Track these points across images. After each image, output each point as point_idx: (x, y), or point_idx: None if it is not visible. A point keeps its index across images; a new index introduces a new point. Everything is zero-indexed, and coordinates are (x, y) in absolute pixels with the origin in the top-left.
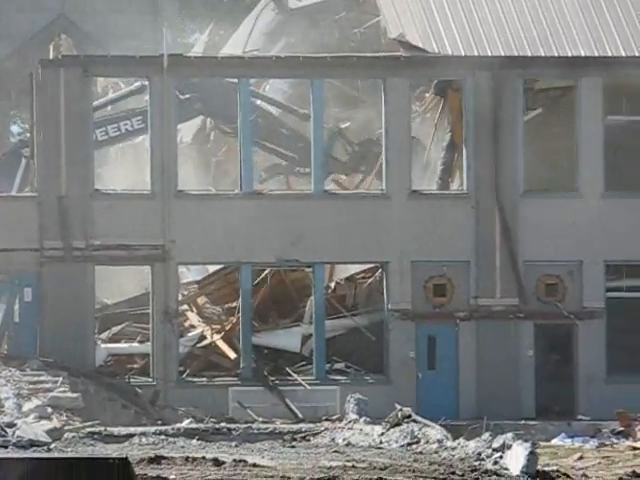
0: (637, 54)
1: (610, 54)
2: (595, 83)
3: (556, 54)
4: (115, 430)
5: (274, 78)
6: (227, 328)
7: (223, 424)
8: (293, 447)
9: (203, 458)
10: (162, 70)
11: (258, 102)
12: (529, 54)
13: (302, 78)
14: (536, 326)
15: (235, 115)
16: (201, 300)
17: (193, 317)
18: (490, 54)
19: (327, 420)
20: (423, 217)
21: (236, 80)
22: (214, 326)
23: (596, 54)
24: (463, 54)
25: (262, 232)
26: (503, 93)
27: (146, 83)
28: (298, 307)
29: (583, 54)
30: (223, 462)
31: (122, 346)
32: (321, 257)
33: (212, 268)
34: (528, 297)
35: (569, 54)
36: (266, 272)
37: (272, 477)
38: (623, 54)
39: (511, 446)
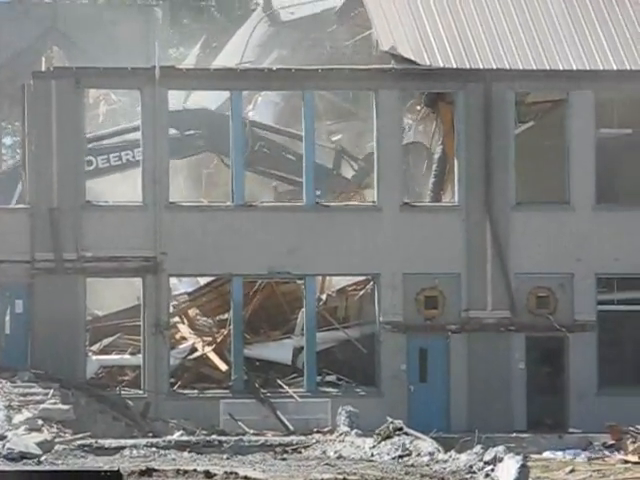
0: (628, 68)
1: (601, 67)
2: (586, 96)
3: (547, 67)
4: (106, 442)
5: (266, 90)
6: (218, 340)
7: (214, 436)
8: (284, 459)
9: (194, 470)
10: (154, 82)
11: (263, 133)
12: (520, 67)
13: (294, 90)
14: (527, 339)
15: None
16: (192, 312)
17: (184, 329)
18: (482, 67)
19: (318, 432)
20: (414, 229)
21: (228, 92)
22: (205, 338)
23: (587, 67)
24: (455, 67)
25: (253, 244)
26: (494, 106)
27: None
28: (289, 319)
29: (574, 67)
30: (214, 474)
31: (113, 358)
32: (312, 269)
33: (203, 280)
34: (519, 309)
35: (560, 67)
36: (257, 284)
37: None
38: (614, 67)
39: (502, 459)
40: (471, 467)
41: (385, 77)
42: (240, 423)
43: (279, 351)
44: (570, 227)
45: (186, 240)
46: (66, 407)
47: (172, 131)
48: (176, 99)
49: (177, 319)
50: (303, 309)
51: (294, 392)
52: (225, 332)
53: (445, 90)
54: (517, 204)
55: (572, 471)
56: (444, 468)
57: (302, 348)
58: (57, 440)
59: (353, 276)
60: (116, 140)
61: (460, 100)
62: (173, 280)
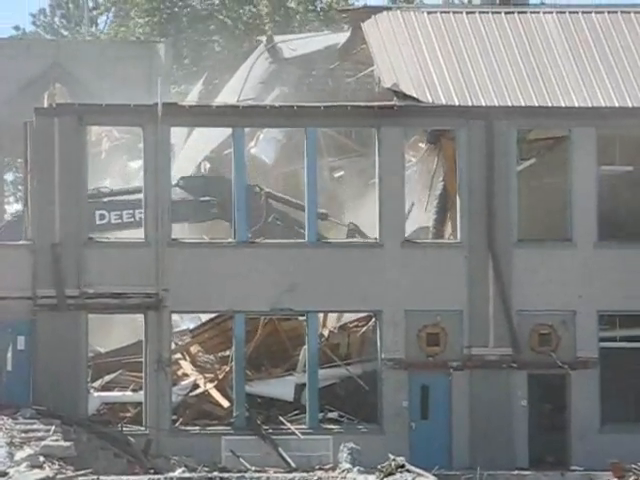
0: (630, 105)
1: (603, 104)
2: (588, 133)
3: (549, 104)
4: (108, 479)
5: (268, 127)
6: (220, 377)
7: (216, 473)
8: None
9: None
10: (156, 119)
11: (278, 205)
12: (522, 104)
13: (296, 127)
14: (529, 376)
15: (253, 220)
16: (194, 349)
17: (186, 366)
18: (484, 104)
19: (320, 469)
20: (416, 266)
21: (230, 130)
22: (207, 375)
23: (589, 104)
24: (457, 104)
25: (256, 281)
26: (496, 143)
27: None
28: (291, 356)
29: (576, 104)
30: None
31: (115, 394)
32: (314, 306)
33: (205, 317)
34: (521, 347)
35: (562, 104)
36: (260, 321)
37: None
38: (616, 104)
39: None
40: None
41: (387, 114)
42: (242, 460)
43: (281, 388)
44: (572, 264)
45: (188, 277)
46: (68, 444)
47: (187, 195)
48: (178, 137)
49: (179, 356)
50: (305, 346)
51: (296, 429)
52: (227, 369)
53: (447, 127)
54: (519, 241)
55: None
56: None
57: (304, 385)
58: (59, 477)
59: (355, 313)
60: (131, 198)
61: (462, 137)
62: (175, 317)
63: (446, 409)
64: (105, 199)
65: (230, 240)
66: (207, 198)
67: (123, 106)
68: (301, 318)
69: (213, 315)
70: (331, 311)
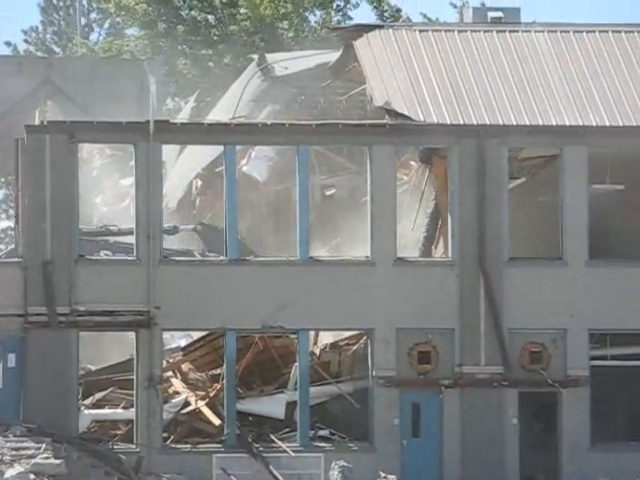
0: (621, 123)
1: (594, 123)
2: (579, 152)
3: (541, 123)
4: None
5: (260, 145)
6: (211, 394)
7: None
8: None
9: None
10: (148, 136)
11: None
12: (514, 123)
13: (288, 145)
14: (520, 394)
15: None
16: (185, 366)
17: (177, 383)
18: (475, 122)
19: None
20: (408, 284)
21: (222, 147)
22: (198, 392)
23: (580, 123)
24: (448, 122)
25: (247, 298)
26: (488, 161)
27: None
28: (283, 373)
29: (568, 123)
30: None
31: (106, 412)
32: (306, 324)
33: (197, 334)
34: (512, 365)
35: (554, 123)
36: (251, 339)
37: None
38: (607, 123)
39: None
40: None
41: (379, 132)
42: (233, 477)
43: (272, 405)
44: (563, 283)
45: (180, 294)
46: (58, 461)
47: (182, 246)
48: (169, 155)
49: (170, 373)
50: (296, 363)
51: (287, 447)
52: (218, 386)
53: (439, 145)
54: (510, 259)
55: None
56: None
57: (295, 402)
58: None
59: (346, 331)
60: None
61: (453, 155)
62: (166, 334)
63: (437, 427)
64: (112, 240)
65: (222, 258)
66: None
67: (114, 123)
68: (292, 336)
69: (204, 333)
70: (322, 329)
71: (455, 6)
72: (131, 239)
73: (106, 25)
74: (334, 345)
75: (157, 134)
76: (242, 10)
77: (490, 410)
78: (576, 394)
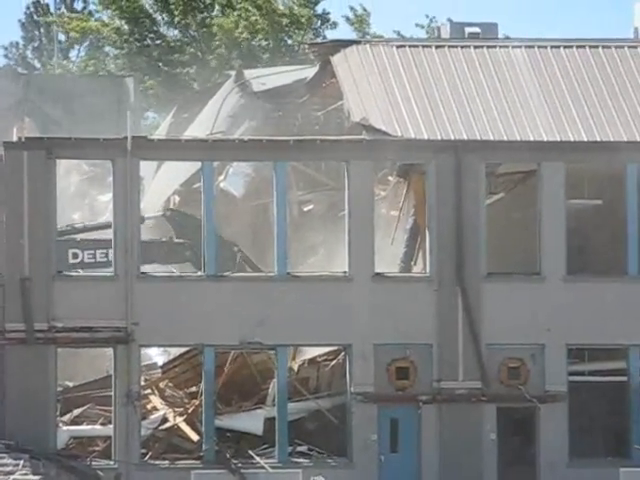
0: (598, 139)
1: (572, 138)
2: (557, 167)
3: (518, 138)
4: None
5: (237, 161)
6: (190, 411)
7: None
8: None
9: None
10: (126, 152)
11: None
12: (492, 138)
13: (265, 161)
14: (499, 409)
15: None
16: (163, 384)
17: (155, 400)
18: (453, 138)
19: None
20: (386, 300)
21: (199, 164)
22: (176, 409)
23: (558, 138)
24: (426, 137)
25: (225, 315)
26: (465, 177)
27: None
28: (261, 389)
29: (545, 138)
30: None
31: (84, 428)
32: (284, 339)
33: (176, 351)
34: (491, 380)
35: (531, 138)
36: (230, 355)
37: None
38: (585, 139)
39: None
40: None
41: (356, 148)
42: None
43: (250, 421)
44: (541, 298)
45: (157, 311)
46: (36, 478)
47: (159, 237)
48: (147, 171)
49: (148, 390)
50: (275, 379)
51: (265, 463)
52: (197, 402)
53: (416, 161)
54: (488, 275)
55: None
56: None
57: (273, 418)
58: None
59: (324, 346)
60: (104, 237)
61: (431, 171)
62: (145, 350)
63: (415, 443)
64: (78, 238)
65: (199, 274)
66: (181, 240)
67: (92, 140)
68: (270, 352)
69: (183, 350)
70: (300, 345)
71: (422, 26)
72: (99, 234)
73: (86, 42)
74: (312, 361)
75: (135, 150)
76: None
77: (468, 426)
78: (554, 409)
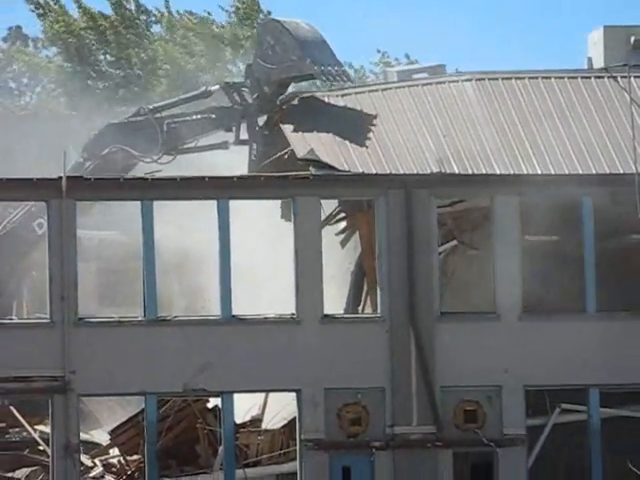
0: (553, 172)
1: (525, 172)
2: (511, 202)
3: (470, 172)
4: None
5: (178, 200)
6: (128, 472)
7: None
8: None
9: None
10: (61, 193)
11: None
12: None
13: (208, 199)
14: (455, 454)
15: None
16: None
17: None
18: (402, 171)
19: None
20: (336, 342)
21: (139, 202)
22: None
23: (511, 172)
24: (374, 172)
25: (168, 360)
26: (416, 213)
27: None
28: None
29: (498, 172)
30: None
31: None
32: (230, 386)
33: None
34: (446, 424)
35: (483, 171)
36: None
37: None
38: (539, 172)
39: None
40: None
41: (303, 184)
42: None
43: None
44: (497, 337)
45: (96, 358)
46: None
47: None
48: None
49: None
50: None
51: None
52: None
53: (365, 198)
54: (442, 314)
55: None
56: None
57: None
58: None
59: (272, 392)
60: None
61: (381, 207)
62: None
63: None
64: None
65: (140, 318)
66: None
67: (25, 180)
68: (215, 399)
69: (132, 414)
70: (247, 391)
71: (377, 63)
72: None
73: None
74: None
75: (70, 190)
76: (163, 66)
77: (424, 472)
78: (513, 453)
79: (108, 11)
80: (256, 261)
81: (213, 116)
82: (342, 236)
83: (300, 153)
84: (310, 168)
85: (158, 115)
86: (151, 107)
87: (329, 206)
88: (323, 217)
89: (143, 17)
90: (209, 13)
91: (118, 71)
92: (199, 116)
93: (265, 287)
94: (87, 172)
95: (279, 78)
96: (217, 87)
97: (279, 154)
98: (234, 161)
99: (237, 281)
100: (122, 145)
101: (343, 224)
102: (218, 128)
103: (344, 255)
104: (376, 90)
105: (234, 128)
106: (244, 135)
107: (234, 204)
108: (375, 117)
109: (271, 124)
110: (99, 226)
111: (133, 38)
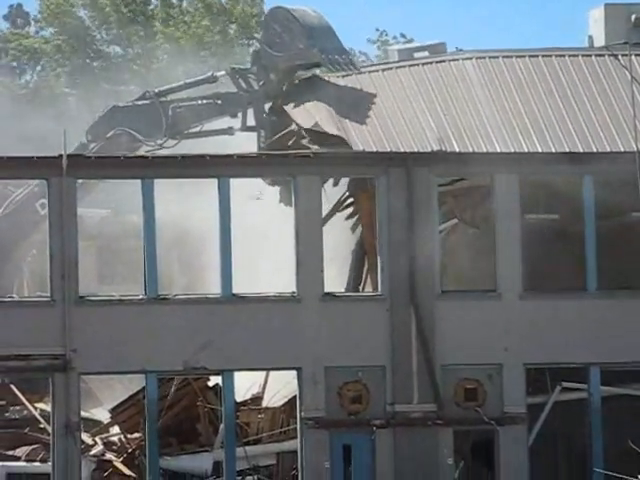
0: (553, 150)
1: (526, 150)
2: (511, 180)
3: (471, 150)
4: None
5: (179, 178)
6: (129, 450)
7: None
8: None
9: None
10: (61, 171)
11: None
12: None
13: (209, 177)
14: (455, 433)
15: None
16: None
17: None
18: (402, 150)
19: None
20: (336, 321)
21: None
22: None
23: (512, 150)
24: (375, 150)
25: (168, 338)
26: (417, 191)
27: None
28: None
29: (498, 150)
30: None
31: (20, 465)
32: (230, 364)
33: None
34: (446, 402)
35: (484, 150)
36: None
37: None
38: (539, 150)
39: None
40: None
41: (304, 163)
42: None
43: (198, 462)
44: (497, 316)
45: (97, 336)
46: None
47: None
48: None
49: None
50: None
51: None
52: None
53: (366, 176)
54: (442, 292)
55: None
56: None
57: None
58: None
59: (273, 370)
60: None
61: (382, 185)
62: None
63: (370, 469)
64: None
65: (140, 296)
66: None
67: (26, 158)
68: (216, 377)
69: (133, 392)
70: (247, 369)
71: (374, 42)
72: None
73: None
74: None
75: (71, 169)
76: (162, 45)
77: (424, 450)
78: (513, 432)
79: None
80: (257, 239)
81: (219, 102)
82: (352, 221)
83: (306, 125)
84: (311, 146)
85: (163, 99)
86: (156, 91)
87: (338, 193)
88: (327, 202)
89: None
90: None
91: (117, 49)
92: (205, 101)
93: (266, 265)
94: (91, 154)
95: (286, 66)
96: (223, 73)
97: (283, 132)
98: (243, 146)
99: (237, 259)
100: (127, 128)
101: (351, 209)
102: (223, 114)
103: (347, 236)
104: (377, 70)
105: (241, 114)
106: (251, 121)
107: (235, 182)
108: (375, 96)
109: (277, 110)
110: (101, 204)
111: (132, 16)
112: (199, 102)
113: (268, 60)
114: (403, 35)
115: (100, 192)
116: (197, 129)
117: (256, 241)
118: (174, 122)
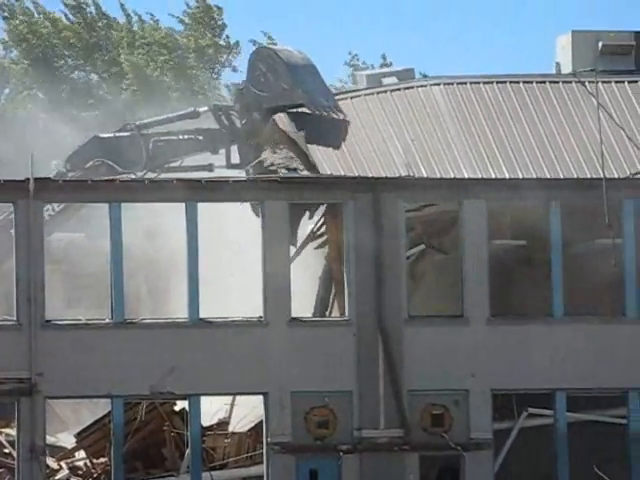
0: (520, 176)
1: (493, 176)
2: (479, 206)
3: (438, 176)
4: None
5: (147, 202)
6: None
7: None
8: None
9: None
10: (28, 194)
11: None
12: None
13: (176, 202)
14: (422, 458)
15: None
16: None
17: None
18: (370, 175)
19: None
20: (303, 345)
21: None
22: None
23: (479, 176)
24: (342, 174)
25: (135, 363)
26: (384, 216)
27: None
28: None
29: (466, 176)
30: None
31: None
32: (196, 389)
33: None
34: (413, 428)
35: (452, 176)
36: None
37: None
38: (506, 176)
39: None
40: None
41: (271, 188)
42: None
43: None
44: (464, 341)
45: (63, 360)
46: None
47: None
48: None
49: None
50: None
51: None
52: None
53: (333, 201)
54: (410, 317)
55: None
56: None
57: None
58: None
59: (239, 395)
60: None
61: (349, 211)
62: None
63: None
64: None
65: (107, 320)
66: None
67: None
68: (183, 402)
69: (98, 417)
70: (214, 394)
71: (347, 64)
72: None
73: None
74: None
75: (38, 192)
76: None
77: (390, 475)
78: (479, 457)
79: (69, 16)
80: (224, 264)
81: (200, 137)
82: (324, 250)
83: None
84: (280, 171)
85: (145, 132)
86: (138, 123)
87: (312, 223)
88: (302, 230)
89: (104, 21)
90: (156, 21)
91: (82, 74)
92: (186, 136)
93: (233, 290)
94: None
95: (269, 105)
96: (206, 109)
97: (254, 162)
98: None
99: (205, 284)
100: (106, 159)
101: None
102: (204, 150)
103: (315, 261)
104: (345, 98)
105: (225, 151)
106: (235, 158)
107: (202, 206)
108: (344, 122)
109: (260, 147)
110: (73, 228)
111: (96, 42)
112: (180, 137)
113: (252, 99)
114: (383, 56)
115: (80, 219)
116: (177, 163)
117: (230, 263)
118: (154, 155)
